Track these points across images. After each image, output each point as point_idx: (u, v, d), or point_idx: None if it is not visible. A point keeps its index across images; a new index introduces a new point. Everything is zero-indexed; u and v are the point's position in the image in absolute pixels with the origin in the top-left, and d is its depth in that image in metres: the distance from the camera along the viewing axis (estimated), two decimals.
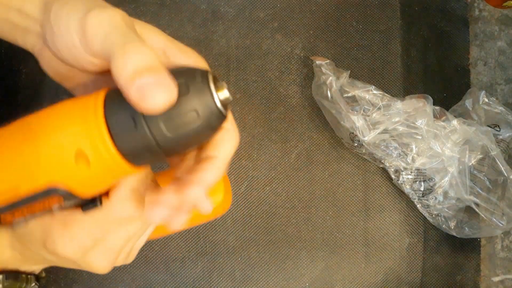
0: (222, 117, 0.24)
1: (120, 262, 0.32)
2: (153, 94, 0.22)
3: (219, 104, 0.24)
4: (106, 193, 0.27)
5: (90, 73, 0.27)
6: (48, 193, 0.24)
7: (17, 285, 0.32)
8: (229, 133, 0.28)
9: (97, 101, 0.23)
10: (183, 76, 0.23)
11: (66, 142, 0.23)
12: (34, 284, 0.33)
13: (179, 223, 0.26)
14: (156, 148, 0.23)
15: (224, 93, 0.24)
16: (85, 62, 0.26)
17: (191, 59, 0.28)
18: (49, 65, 0.28)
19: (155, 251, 0.57)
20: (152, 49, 0.23)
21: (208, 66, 0.28)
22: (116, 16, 0.24)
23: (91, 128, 0.23)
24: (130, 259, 0.33)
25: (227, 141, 0.27)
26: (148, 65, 0.22)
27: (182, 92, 0.23)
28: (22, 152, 0.24)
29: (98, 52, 0.24)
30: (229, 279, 0.57)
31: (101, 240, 0.28)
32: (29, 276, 0.33)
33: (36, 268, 0.34)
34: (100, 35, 0.24)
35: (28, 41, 0.28)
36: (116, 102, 0.23)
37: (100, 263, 0.29)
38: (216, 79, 0.24)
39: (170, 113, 0.22)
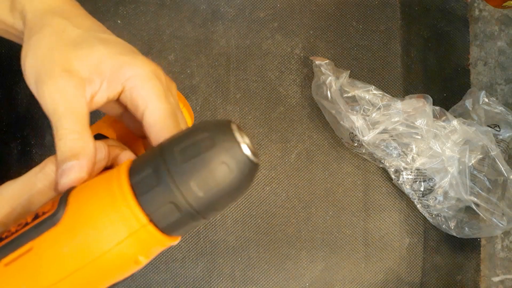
0: (253, 166, 0.23)
1: None
2: (67, 176, 0.26)
3: (248, 152, 0.22)
4: None
5: None
6: None
7: None
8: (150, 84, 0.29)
9: (121, 183, 0.22)
10: (206, 129, 0.22)
11: (108, 241, 0.21)
12: None
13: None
14: (191, 213, 0.22)
15: (248, 140, 0.23)
16: None
17: (131, 71, 0.29)
18: None
19: None
20: (83, 131, 0.27)
21: (161, 71, 0.30)
22: (58, 95, 0.27)
23: (129, 219, 0.21)
24: None
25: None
26: (71, 153, 0.26)
27: (208, 146, 0.21)
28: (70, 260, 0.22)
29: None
30: (229, 279, 0.57)
31: None
32: None
33: None
34: (46, 110, 0.27)
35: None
36: (142, 176, 0.22)
37: None
38: (239, 127, 0.23)
39: (199, 170, 0.21)
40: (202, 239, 0.57)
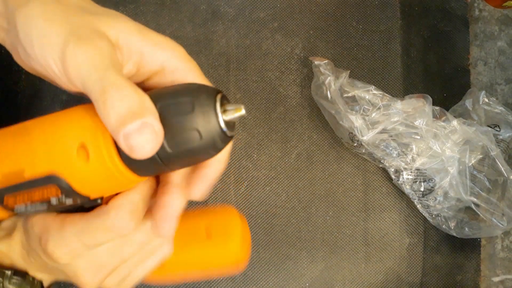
0: (226, 139, 0.24)
1: (111, 285, 0.30)
2: (139, 143, 0.22)
3: (223, 125, 0.23)
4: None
5: None
6: (48, 180, 0.24)
7: (23, 285, 0.31)
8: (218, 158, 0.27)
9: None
10: (190, 94, 0.23)
11: (71, 133, 0.24)
12: None
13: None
14: (157, 161, 0.24)
15: (230, 114, 0.24)
16: (63, 85, 0.25)
17: (167, 52, 0.26)
18: (23, 62, 0.27)
19: None
20: (133, 87, 0.22)
21: (185, 54, 0.28)
22: (95, 52, 0.23)
23: (97, 127, 0.23)
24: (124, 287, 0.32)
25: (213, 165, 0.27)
26: (131, 111, 0.22)
27: (187, 110, 0.23)
28: (31, 137, 0.25)
29: (78, 87, 0.24)
30: (229, 279, 0.57)
31: (91, 249, 0.28)
32: (36, 281, 0.32)
33: (42, 277, 0.33)
34: (78, 74, 0.23)
35: None
36: None
37: (86, 274, 0.28)
38: (225, 98, 0.24)
39: (173, 130, 0.23)
40: None
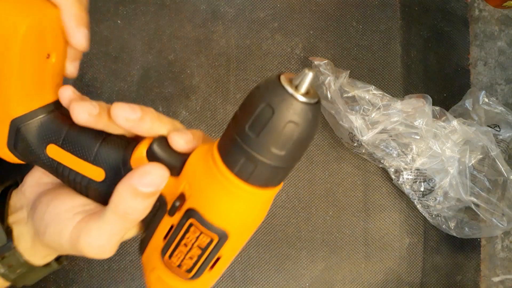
0: (315, 107, 0.24)
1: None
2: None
3: (305, 100, 0.23)
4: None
5: None
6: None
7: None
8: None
9: (230, 179, 0.26)
10: (263, 98, 0.23)
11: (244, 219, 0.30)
12: None
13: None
14: (283, 167, 0.25)
15: (302, 85, 0.23)
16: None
17: None
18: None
19: None
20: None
21: None
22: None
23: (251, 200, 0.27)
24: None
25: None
26: None
27: (270, 116, 0.23)
28: None
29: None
30: (229, 279, 0.57)
31: None
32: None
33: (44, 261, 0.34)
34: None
35: None
36: (238, 163, 0.25)
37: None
38: (287, 77, 0.24)
39: (273, 138, 0.23)
40: None
